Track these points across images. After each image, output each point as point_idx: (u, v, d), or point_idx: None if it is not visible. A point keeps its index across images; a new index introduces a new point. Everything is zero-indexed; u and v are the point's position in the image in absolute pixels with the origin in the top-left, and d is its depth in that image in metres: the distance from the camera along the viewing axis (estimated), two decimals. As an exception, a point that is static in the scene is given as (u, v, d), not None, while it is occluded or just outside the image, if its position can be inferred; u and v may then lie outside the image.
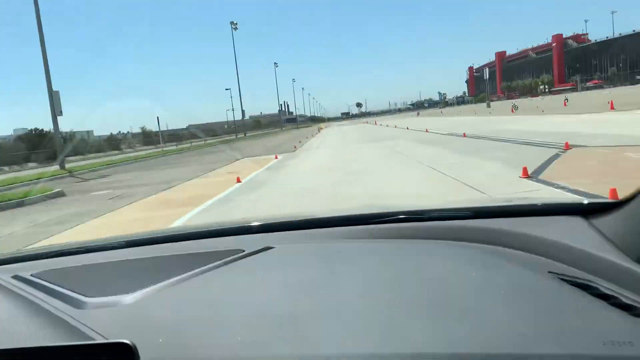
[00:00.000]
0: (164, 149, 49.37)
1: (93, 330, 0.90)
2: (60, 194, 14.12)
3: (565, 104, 36.50)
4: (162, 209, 9.57)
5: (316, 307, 0.91)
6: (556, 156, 9.72)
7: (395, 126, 39.10)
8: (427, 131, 24.82)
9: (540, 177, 7.60)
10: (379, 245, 1.27)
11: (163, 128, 70.09)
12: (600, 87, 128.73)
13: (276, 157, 18.72)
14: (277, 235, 1.43)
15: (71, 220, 9.24)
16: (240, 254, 1.23)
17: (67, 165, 27.56)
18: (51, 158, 31.79)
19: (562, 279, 0.95)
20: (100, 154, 56.42)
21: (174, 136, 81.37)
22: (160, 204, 10.40)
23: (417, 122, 42.01)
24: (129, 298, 1.03)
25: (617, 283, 0.93)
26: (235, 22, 73.20)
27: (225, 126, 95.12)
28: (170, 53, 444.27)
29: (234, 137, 73.62)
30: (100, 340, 0.84)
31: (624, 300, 0.85)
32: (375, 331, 0.80)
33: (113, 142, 73.39)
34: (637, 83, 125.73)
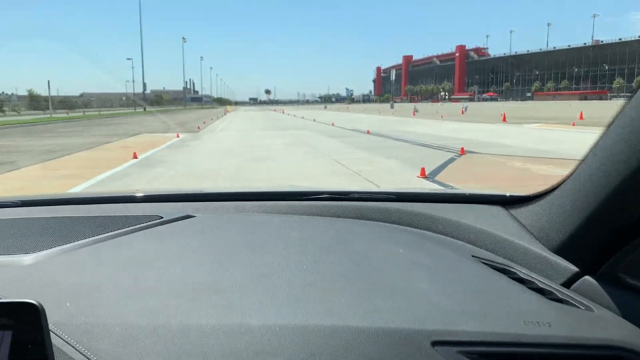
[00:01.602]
0: (53, 115, 45.57)
1: None
2: None
3: (462, 112, 38.85)
4: (47, 180, 8.79)
5: (240, 277, 0.86)
6: (452, 160, 10.28)
7: (303, 117, 39.35)
8: (333, 125, 25.19)
9: (437, 178, 7.98)
10: (304, 220, 1.23)
11: (54, 93, 64.71)
12: (495, 99, 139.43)
13: (178, 136, 17.98)
14: (198, 204, 1.36)
15: None
16: (159, 220, 1.17)
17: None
18: None
19: (484, 263, 0.98)
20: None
21: (65, 103, 75.82)
22: (45, 174, 9.55)
23: (324, 115, 42.56)
24: (29, 258, 0.94)
25: (534, 270, 0.99)
26: (144, -11, 68.29)
27: (124, 98, 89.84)
28: (68, 12, 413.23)
29: (132, 110, 70.01)
30: None
31: (540, 285, 0.91)
32: (302, 303, 0.78)
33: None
34: (527, 99, 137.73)
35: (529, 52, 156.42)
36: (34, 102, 71.36)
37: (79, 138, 18.91)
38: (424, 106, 74.55)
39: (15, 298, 0.66)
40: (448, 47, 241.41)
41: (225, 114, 55.63)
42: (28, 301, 0.60)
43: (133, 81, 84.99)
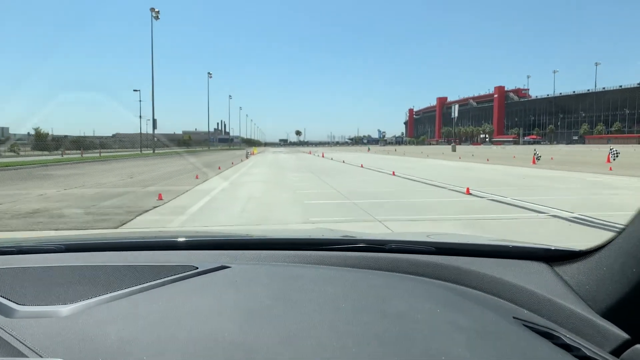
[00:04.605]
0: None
1: (23, 343, 0.82)
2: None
3: (609, 160, 26.78)
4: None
5: (272, 336, 0.85)
6: None
7: (362, 165, 27.54)
8: (428, 182, 13.75)
9: None
10: (338, 273, 1.21)
11: (90, 134, 55.83)
12: (538, 142, 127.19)
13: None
14: (233, 253, 1.37)
15: None
16: (194, 271, 1.16)
17: None
18: None
19: (526, 326, 0.93)
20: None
21: (79, 143, 67.39)
22: None
23: (376, 160, 31.51)
24: (66, 309, 0.95)
25: (580, 334, 0.93)
26: (156, 9, 58.26)
27: (156, 139, 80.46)
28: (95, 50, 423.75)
29: (138, 152, 60.74)
30: (31, 356, 0.78)
31: (587, 352, 0.85)
32: None
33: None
34: (575, 142, 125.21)
35: (575, 92, 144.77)
36: (40, 141, 62.40)
37: None
38: (470, 149, 62.66)
39: (50, 352, 0.71)
40: (485, 89, 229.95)
41: (248, 156, 44.30)
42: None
43: (140, 117, 73.79)
